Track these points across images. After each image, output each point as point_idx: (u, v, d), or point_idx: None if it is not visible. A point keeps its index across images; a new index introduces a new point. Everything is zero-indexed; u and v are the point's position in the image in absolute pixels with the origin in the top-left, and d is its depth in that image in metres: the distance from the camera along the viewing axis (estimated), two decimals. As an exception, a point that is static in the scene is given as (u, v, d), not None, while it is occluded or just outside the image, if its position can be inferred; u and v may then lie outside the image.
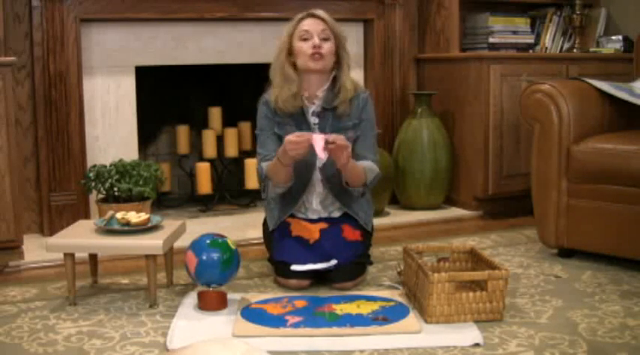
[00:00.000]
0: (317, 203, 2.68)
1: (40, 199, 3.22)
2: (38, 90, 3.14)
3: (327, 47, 2.60)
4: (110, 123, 3.33)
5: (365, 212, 2.70)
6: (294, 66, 2.62)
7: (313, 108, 2.66)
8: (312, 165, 2.60)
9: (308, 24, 2.62)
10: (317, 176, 2.64)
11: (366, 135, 2.68)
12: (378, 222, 2.94)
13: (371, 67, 3.76)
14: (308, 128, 2.63)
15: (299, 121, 2.64)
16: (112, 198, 3.09)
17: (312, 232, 2.59)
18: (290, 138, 2.41)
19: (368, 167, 2.60)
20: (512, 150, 3.60)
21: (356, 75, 3.57)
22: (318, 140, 2.41)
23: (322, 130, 2.62)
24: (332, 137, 2.40)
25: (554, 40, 4.11)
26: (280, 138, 2.61)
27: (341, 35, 2.65)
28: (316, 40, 2.58)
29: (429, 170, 3.62)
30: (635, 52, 3.38)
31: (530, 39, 3.99)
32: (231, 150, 3.69)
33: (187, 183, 3.82)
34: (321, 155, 2.41)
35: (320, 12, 2.64)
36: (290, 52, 2.63)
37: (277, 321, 2.19)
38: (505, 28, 3.89)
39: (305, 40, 2.60)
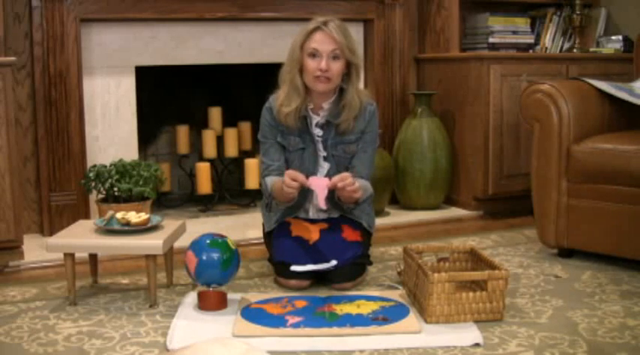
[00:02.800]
0: (314, 212, 2.68)
1: (40, 199, 3.22)
2: (38, 90, 3.14)
3: (335, 68, 2.51)
4: (110, 123, 3.33)
5: (368, 214, 2.70)
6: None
7: (318, 119, 2.62)
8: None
9: (318, 41, 2.50)
10: None
11: (365, 148, 2.64)
12: (378, 222, 2.93)
13: (371, 67, 3.76)
14: (311, 139, 2.61)
15: (302, 132, 2.61)
16: (112, 198, 3.09)
17: (312, 232, 2.59)
18: (286, 179, 2.41)
19: (363, 187, 2.55)
20: (512, 150, 3.60)
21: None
22: (321, 189, 2.38)
23: (325, 142, 2.61)
24: (340, 183, 2.39)
25: (554, 40, 4.10)
26: (284, 148, 2.61)
27: (352, 49, 2.54)
28: (323, 65, 2.48)
29: (429, 170, 3.62)
30: (635, 52, 3.38)
31: (530, 39, 3.99)
32: (231, 150, 3.69)
33: (187, 183, 3.82)
34: (322, 205, 2.41)
35: (331, 25, 2.51)
36: (301, 64, 2.54)
37: (277, 321, 2.19)
38: (505, 28, 3.89)
39: (314, 56, 2.51)
